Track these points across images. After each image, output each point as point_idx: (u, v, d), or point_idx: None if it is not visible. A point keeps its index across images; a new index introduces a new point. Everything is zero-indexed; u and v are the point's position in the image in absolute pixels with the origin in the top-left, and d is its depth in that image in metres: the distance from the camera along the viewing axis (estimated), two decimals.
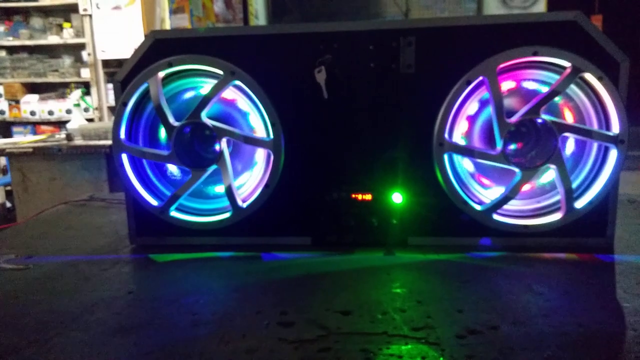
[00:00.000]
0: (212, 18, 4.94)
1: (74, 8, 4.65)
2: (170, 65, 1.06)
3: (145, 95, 1.09)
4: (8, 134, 4.90)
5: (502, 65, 1.00)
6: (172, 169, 1.16)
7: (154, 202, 1.12)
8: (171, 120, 1.07)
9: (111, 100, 4.68)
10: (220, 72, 1.05)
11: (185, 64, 1.06)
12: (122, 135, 1.10)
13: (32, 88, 5.00)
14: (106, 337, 0.74)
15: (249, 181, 1.14)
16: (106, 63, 4.70)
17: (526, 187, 1.07)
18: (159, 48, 1.07)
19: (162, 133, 1.13)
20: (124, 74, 1.09)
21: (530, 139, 1.07)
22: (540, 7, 6.04)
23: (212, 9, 4.94)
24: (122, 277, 0.98)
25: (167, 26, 4.62)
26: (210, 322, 0.77)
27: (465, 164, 1.09)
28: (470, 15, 5.62)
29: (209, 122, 1.06)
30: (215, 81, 1.06)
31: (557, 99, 1.02)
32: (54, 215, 1.50)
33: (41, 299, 0.89)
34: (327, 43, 1.04)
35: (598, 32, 1.00)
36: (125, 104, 1.08)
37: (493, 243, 1.07)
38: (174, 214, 1.12)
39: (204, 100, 1.06)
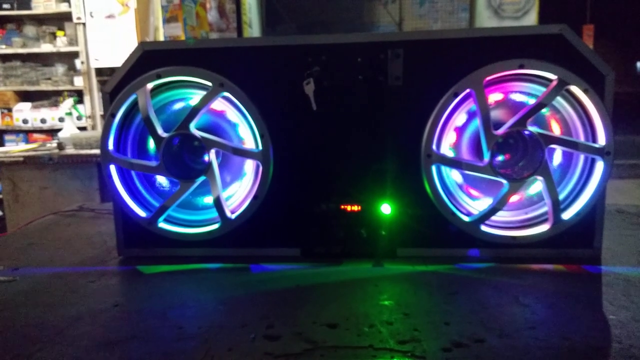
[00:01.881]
0: (205, 27, 4.95)
1: (67, 16, 4.66)
2: (159, 76, 1.06)
3: (134, 106, 1.09)
4: (0, 142, 4.87)
5: (489, 78, 1.01)
6: (161, 180, 1.16)
7: (142, 213, 1.12)
8: (160, 131, 1.07)
9: None
10: (209, 84, 1.05)
11: (174, 76, 1.07)
12: (111, 146, 1.10)
13: (24, 96, 4.99)
14: (90, 352, 0.73)
15: (238, 192, 1.14)
16: (99, 71, 4.70)
17: (514, 199, 1.08)
18: (148, 59, 1.07)
19: (151, 144, 1.13)
20: (112, 85, 1.09)
21: (517, 151, 1.07)
22: (532, 17, 6.10)
23: (205, 18, 4.95)
24: (109, 289, 0.98)
25: (161, 35, 4.63)
26: (195, 336, 0.77)
27: (454, 175, 1.10)
28: (457, 28, 5.68)
29: (198, 134, 1.06)
30: (204, 92, 1.06)
31: (544, 111, 1.03)
32: (42, 225, 1.49)
33: (26, 312, 0.88)
34: (316, 55, 1.04)
35: (584, 45, 1.01)
36: (113, 115, 1.08)
37: (481, 254, 1.07)
38: (162, 225, 1.11)
39: (193, 112, 1.06)
